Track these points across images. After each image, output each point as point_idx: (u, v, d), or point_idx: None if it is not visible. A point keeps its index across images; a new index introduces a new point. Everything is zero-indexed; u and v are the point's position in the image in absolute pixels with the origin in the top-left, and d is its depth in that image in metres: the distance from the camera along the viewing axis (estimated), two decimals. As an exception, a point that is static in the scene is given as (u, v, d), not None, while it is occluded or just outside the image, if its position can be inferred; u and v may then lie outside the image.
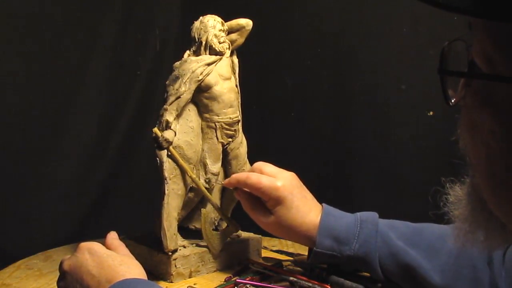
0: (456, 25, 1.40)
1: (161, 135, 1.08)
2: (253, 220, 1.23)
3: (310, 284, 1.01)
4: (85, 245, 0.78)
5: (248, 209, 1.02)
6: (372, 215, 0.96)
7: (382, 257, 0.92)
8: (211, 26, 1.14)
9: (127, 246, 1.17)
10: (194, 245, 1.16)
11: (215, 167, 1.16)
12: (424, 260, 0.89)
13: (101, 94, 1.68)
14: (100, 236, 1.38)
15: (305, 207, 0.98)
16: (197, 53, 1.15)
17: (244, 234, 1.22)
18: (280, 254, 1.26)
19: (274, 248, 1.30)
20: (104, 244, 0.82)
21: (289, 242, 1.36)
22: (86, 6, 1.62)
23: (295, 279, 1.03)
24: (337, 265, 0.99)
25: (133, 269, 0.75)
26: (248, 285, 1.01)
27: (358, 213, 0.98)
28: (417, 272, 0.89)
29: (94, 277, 0.72)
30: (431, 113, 1.45)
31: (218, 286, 1.04)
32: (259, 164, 1.03)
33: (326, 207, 0.99)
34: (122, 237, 1.21)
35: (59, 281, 0.78)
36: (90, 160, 1.68)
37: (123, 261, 0.76)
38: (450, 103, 0.54)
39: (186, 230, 1.19)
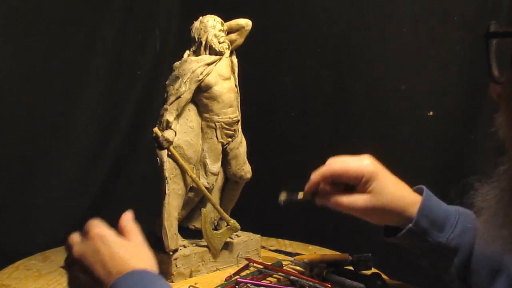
0: (456, 25, 1.40)
1: (162, 135, 1.08)
2: (253, 220, 1.24)
3: (311, 283, 1.01)
4: (98, 233, 0.74)
5: (338, 203, 0.93)
6: (470, 212, 0.91)
7: (475, 255, 0.88)
8: (210, 26, 1.14)
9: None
10: (194, 244, 1.16)
11: (215, 166, 1.16)
12: None
13: (101, 94, 1.68)
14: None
15: (399, 181, 0.93)
16: (197, 53, 1.15)
17: (243, 234, 1.22)
18: (279, 253, 1.26)
19: (273, 248, 1.30)
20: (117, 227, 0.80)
21: (287, 242, 1.36)
22: (86, 6, 1.62)
23: (296, 278, 1.03)
24: (421, 251, 0.92)
25: (145, 261, 0.74)
26: (249, 284, 1.01)
27: (456, 206, 0.93)
28: (502, 279, 0.84)
29: (105, 267, 0.71)
30: (431, 113, 1.45)
31: (219, 286, 1.04)
32: (332, 158, 0.96)
33: (426, 189, 0.94)
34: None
35: (68, 267, 0.76)
36: (90, 160, 1.68)
37: (135, 253, 0.74)
38: (495, 76, 0.54)
39: (186, 230, 1.19)
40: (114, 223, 1.80)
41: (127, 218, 0.81)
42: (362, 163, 0.92)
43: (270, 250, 1.29)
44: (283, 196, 0.99)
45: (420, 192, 0.92)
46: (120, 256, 0.72)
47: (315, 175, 0.94)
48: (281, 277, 1.07)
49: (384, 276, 1.10)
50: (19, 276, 1.14)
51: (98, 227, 0.75)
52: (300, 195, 0.98)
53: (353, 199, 0.91)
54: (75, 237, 0.76)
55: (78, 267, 0.73)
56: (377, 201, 0.90)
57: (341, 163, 0.93)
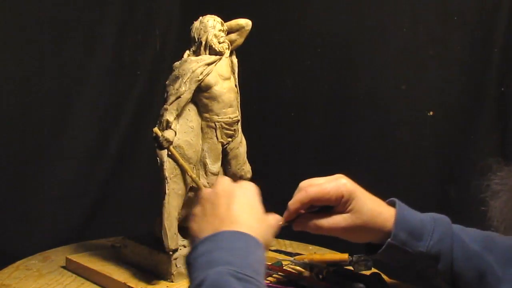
0: (456, 25, 1.40)
1: (162, 135, 1.08)
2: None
3: (311, 283, 1.01)
4: (252, 189, 0.79)
5: (318, 226, 0.92)
6: (444, 217, 0.93)
7: (456, 259, 0.89)
8: (210, 26, 1.14)
9: (127, 246, 1.18)
10: (194, 245, 1.15)
11: (215, 166, 1.16)
12: (499, 269, 0.85)
13: (101, 94, 1.68)
14: (100, 236, 1.39)
15: (375, 198, 0.93)
16: (197, 53, 1.15)
17: (244, 234, 1.22)
18: (279, 253, 1.26)
19: (273, 248, 1.30)
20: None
21: (287, 242, 1.36)
22: (86, 6, 1.62)
23: (295, 278, 1.03)
24: (403, 263, 0.92)
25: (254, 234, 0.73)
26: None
27: (429, 213, 0.94)
28: (488, 279, 0.85)
29: (229, 210, 0.73)
30: (431, 113, 1.45)
31: (218, 286, 1.04)
32: (305, 182, 0.95)
33: (398, 201, 0.93)
34: (122, 237, 1.21)
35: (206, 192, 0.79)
36: (90, 160, 1.68)
37: (260, 223, 0.75)
38: None
39: (186, 230, 1.19)
40: (114, 223, 1.81)
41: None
42: (339, 183, 0.91)
43: (270, 250, 1.29)
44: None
45: (393, 204, 0.92)
46: (255, 213, 0.75)
47: (293, 204, 0.93)
48: (280, 277, 1.07)
49: (384, 276, 1.10)
50: (19, 276, 1.13)
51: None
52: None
53: (334, 221, 0.91)
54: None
55: (211, 194, 0.76)
56: (357, 220, 0.90)
57: (318, 187, 0.91)
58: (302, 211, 0.93)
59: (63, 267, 1.18)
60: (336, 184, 0.91)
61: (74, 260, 1.17)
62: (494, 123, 1.36)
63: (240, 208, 0.74)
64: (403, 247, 0.88)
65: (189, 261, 0.69)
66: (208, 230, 0.71)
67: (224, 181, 0.79)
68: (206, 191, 0.79)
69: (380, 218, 0.90)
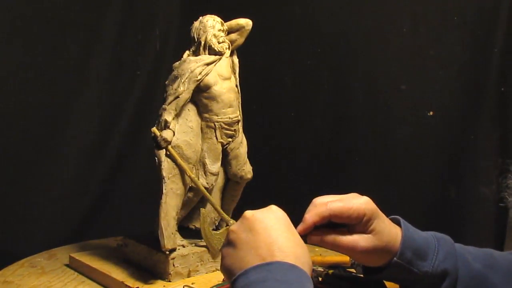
0: (456, 25, 1.40)
1: (160, 135, 1.08)
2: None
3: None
4: (285, 219, 0.76)
5: (337, 243, 0.88)
6: (445, 236, 0.91)
7: (460, 278, 0.87)
8: (210, 26, 1.14)
9: (127, 245, 1.18)
10: (193, 244, 1.16)
11: (215, 167, 1.16)
12: (504, 286, 0.84)
13: (101, 94, 1.69)
14: (100, 236, 1.39)
15: (387, 218, 0.90)
16: (196, 53, 1.15)
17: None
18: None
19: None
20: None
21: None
22: (86, 6, 1.63)
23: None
24: (407, 283, 0.89)
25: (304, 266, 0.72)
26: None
27: (430, 232, 0.91)
28: None
29: (271, 237, 0.70)
30: (431, 113, 1.45)
31: (214, 286, 1.04)
32: (320, 197, 0.90)
33: (402, 219, 0.90)
34: (122, 237, 1.22)
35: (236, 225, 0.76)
36: (90, 160, 1.69)
37: (303, 253, 0.73)
38: None
39: (186, 230, 1.19)
40: (114, 223, 1.81)
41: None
42: (363, 201, 0.87)
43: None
44: None
45: (397, 222, 0.89)
46: (295, 243, 0.72)
47: (312, 217, 0.87)
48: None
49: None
50: (23, 273, 1.15)
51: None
52: None
53: (354, 240, 0.86)
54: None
55: (245, 225, 0.73)
56: (378, 241, 0.86)
57: (341, 202, 0.87)
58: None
59: (67, 265, 1.19)
60: (359, 201, 0.87)
61: (77, 258, 1.18)
62: (494, 123, 1.35)
63: (281, 235, 0.72)
64: (409, 267, 0.86)
65: (238, 286, 0.67)
66: (254, 259, 0.69)
67: (250, 211, 0.76)
68: (235, 224, 0.76)
69: (394, 237, 0.87)
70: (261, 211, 0.75)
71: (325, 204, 0.87)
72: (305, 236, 0.87)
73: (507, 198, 0.75)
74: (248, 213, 0.74)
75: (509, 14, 1.32)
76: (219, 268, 1.15)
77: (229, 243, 0.73)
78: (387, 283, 1.07)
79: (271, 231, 0.71)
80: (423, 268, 0.86)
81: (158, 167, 1.09)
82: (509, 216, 1.08)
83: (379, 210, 0.87)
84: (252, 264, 0.68)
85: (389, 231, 0.87)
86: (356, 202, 0.86)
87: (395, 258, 0.86)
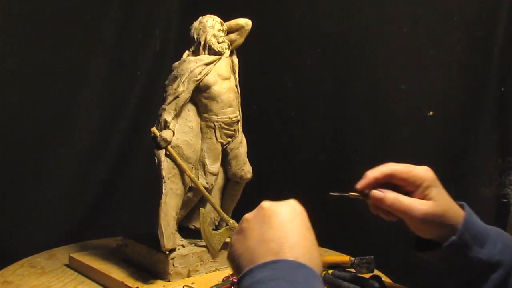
0: (456, 25, 1.40)
1: (159, 135, 1.08)
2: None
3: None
4: (304, 219, 0.70)
5: (398, 202, 0.86)
6: (505, 232, 0.90)
7: None
8: (209, 26, 1.14)
9: (127, 245, 1.18)
10: (193, 244, 1.15)
11: (214, 166, 1.16)
12: None
13: (101, 94, 1.69)
14: (100, 236, 1.39)
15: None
16: (196, 53, 1.15)
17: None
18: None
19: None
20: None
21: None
22: (86, 6, 1.63)
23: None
24: (457, 267, 0.89)
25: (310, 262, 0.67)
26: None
27: (493, 226, 0.90)
28: None
29: (285, 232, 0.66)
30: (431, 113, 1.45)
31: (214, 286, 1.04)
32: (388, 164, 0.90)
33: (466, 205, 0.89)
34: (122, 237, 1.22)
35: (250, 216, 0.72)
36: (90, 160, 1.69)
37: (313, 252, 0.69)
38: None
39: (186, 230, 1.19)
40: (114, 222, 1.81)
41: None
42: (422, 168, 0.86)
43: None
44: (334, 195, 0.94)
45: (461, 207, 0.88)
46: (309, 240, 0.68)
47: (373, 172, 0.87)
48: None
49: (387, 279, 1.10)
50: (23, 273, 1.14)
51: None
52: (352, 195, 0.90)
53: (414, 202, 0.85)
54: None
55: (260, 215, 0.69)
56: (437, 208, 0.85)
57: (404, 165, 0.86)
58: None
59: (67, 265, 1.19)
60: (420, 167, 0.86)
61: (77, 258, 1.18)
62: (494, 123, 1.35)
63: (297, 231, 0.68)
64: (465, 250, 0.85)
65: (243, 285, 0.64)
66: (264, 253, 0.65)
67: (268, 202, 0.71)
68: (251, 213, 0.71)
69: (454, 212, 0.85)
70: (279, 204, 0.71)
71: (386, 164, 0.86)
72: (364, 194, 0.87)
73: (510, 194, 0.75)
74: (266, 203, 0.70)
75: (509, 14, 1.32)
76: (219, 268, 1.15)
77: (241, 231, 0.69)
78: (387, 283, 1.08)
79: (286, 226, 0.67)
80: (479, 255, 0.85)
81: (158, 167, 1.09)
82: (511, 211, 1.09)
83: (438, 181, 0.86)
84: (261, 258, 0.65)
85: (449, 203, 0.86)
86: (416, 167, 0.86)
87: (454, 237, 0.84)
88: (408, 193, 0.85)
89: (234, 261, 0.68)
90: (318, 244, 0.69)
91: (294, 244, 0.66)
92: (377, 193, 0.86)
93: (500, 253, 0.86)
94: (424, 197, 0.85)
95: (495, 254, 0.86)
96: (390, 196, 0.85)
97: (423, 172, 0.86)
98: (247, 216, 0.70)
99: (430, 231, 0.87)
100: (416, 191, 0.86)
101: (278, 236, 0.66)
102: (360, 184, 0.87)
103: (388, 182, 0.87)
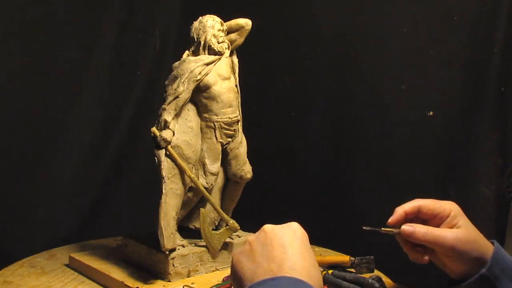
0: (456, 25, 1.40)
1: (159, 135, 1.09)
2: (254, 221, 1.23)
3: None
4: (303, 234, 0.72)
5: (429, 232, 0.89)
6: None
7: None
8: (209, 26, 1.14)
9: (127, 245, 1.18)
10: (193, 244, 1.16)
11: (214, 166, 1.16)
12: None
13: (101, 94, 1.69)
14: (100, 236, 1.39)
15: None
16: (196, 53, 1.15)
17: (244, 234, 1.22)
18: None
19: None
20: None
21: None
22: (87, 6, 1.63)
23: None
24: None
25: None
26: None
27: None
28: None
29: (286, 254, 0.68)
30: (431, 113, 1.44)
31: (214, 286, 1.04)
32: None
33: (495, 241, 0.92)
34: (122, 237, 1.22)
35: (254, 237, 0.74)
36: (90, 160, 1.69)
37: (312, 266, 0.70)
38: None
39: (186, 230, 1.19)
40: (114, 222, 1.81)
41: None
42: (449, 202, 0.91)
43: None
44: (367, 229, 0.96)
45: (491, 243, 0.91)
46: (305, 256, 0.70)
47: (401, 207, 0.91)
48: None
49: (387, 279, 1.10)
50: (23, 273, 1.14)
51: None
52: (383, 230, 0.93)
53: (446, 230, 0.88)
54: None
55: (261, 237, 0.71)
56: (467, 235, 0.88)
57: (429, 200, 0.91)
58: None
59: (67, 265, 1.19)
60: (448, 202, 0.91)
61: (77, 258, 1.18)
62: (494, 123, 1.35)
63: (297, 253, 0.69)
64: (495, 283, 0.86)
65: None
66: (264, 272, 0.67)
67: (270, 225, 0.74)
68: (253, 235, 0.74)
69: (483, 242, 0.88)
70: (281, 226, 0.73)
71: (415, 200, 0.90)
72: (395, 227, 0.89)
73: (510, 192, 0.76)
74: (268, 227, 0.73)
75: (509, 14, 1.32)
76: (219, 268, 1.15)
77: (243, 252, 0.71)
78: (387, 283, 1.08)
79: (287, 248, 0.69)
80: None
81: (158, 167, 1.09)
82: (511, 211, 1.10)
83: (463, 214, 0.89)
84: (261, 277, 0.67)
85: (478, 232, 0.88)
86: (443, 201, 0.90)
87: (483, 270, 0.86)
88: (436, 227, 0.88)
89: (236, 282, 0.70)
90: (317, 264, 0.71)
91: (294, 265, 0.67)
92: (407, 228, 0.89)
93: None
94: (452, 227, 0.88)
95: None
96: (420, 228, 0.88)
97: (449, 204, 0.90)
98: (250, 238, 0.72)
99: (461, 262, 0.88)
100: (444, 222, 0.89)
101: (279, 258, 0.68)
102: (391, 220, 0.90)
103: (417, 217, 0.90)
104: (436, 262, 0.91)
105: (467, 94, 1.39)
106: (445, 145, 1.43)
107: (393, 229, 0.90)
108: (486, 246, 0.88)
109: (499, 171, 1.32)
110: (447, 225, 0.89)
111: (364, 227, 0.94)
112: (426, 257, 0.90)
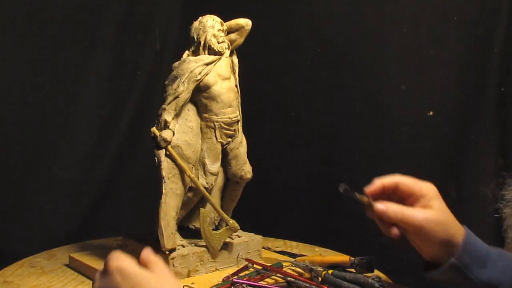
0: (456, 25, 1.40)
1: (159, 135, 1.09)
2: (253, 221, 1.23)
3: (308, 285, 1.00)
4: (116, 266, 0.71)
5: (399, 210, 0.89)
6: (507, 252, 0.93)
7: None
8: (209, 26, 1.14)
9: (127, 245, 1.18)
10: (193, 244, 1.16)
11: (214, 167, 1.16)
12: None
13: (101, 94, 1.69)
14: (100, 236, 1.39)
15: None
16: (196, 53, 1.15)
17: (244, 234, 1.22)
18: (283, 255, 1.25)
19: (278, 249, 1.30)
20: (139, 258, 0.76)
21: (294, 243, 1.36)
22: (86, 6, 1.63)
23: (292, 279, 1.03)
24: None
25: None
26: (244, 285, 1.00)
27: (494, 246, 0.93)
28: None
29: None
30: (431, 113, 1.45)
31: (214, 286, 1.04)
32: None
33: (465, 226, 0.92)
34: (122, 237, 1.22)
35: None
36: (90, 160, 1.69)
37: (158, 283, 0.70)
38: None
39: (186, 230, 1.19)
40: (114, 223, 1.81)
41: (148, 252, 0.77)
42: (427, 183, 0.92)
43: (274, 251, 1.28)
44: (342, 187, 0.97)
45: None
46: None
47: (381, 180, 0.92)
48: (279, 278, 1.07)
49: (387, 279, 1.10)
50: (23, 273, 1.14)
51: (118, 259, 0.73)
52: (358, 196, 0.94)
53: (417, 209, 0.89)
54: (97, 274, 0.74)
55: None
56: (438, 216, 0.88)
57: (409, 178, 0.92)
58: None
59: (67, 265, 1.19)
60: (427, 183, 0.92)
61: (77, 258, 1.17)
62: (494, 123, 1.35)
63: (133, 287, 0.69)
64: (465, 271, 0.87)
65: None
66: None
67: (97, 285, 0.73)
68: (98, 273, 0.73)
69: (455, 226, 0.89)
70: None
71: (395, 175, 0.91)
72: (370, 205, 0.90)
73: (502, 209, 0.76)
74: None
75: (509, 14, 1.32)
76: (219, 268, 1.15)
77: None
78: (387, 283, 1.08)
79: None
80: (480, 276, 0.87)
81: (157, 167, 1.09)
82: (504, 226, 1.10)
83: (441, 197, 0.90)
84: None
85: (451, 217, 0.89)
86: (423, 182, 0.91)
87: (452, 259, 0.87)
88: (410, 205, 0.89)
89: None
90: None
91: None
92: (380, 206, 0.90)
93: (500, 274, 0.87)
94: (426, 208, 0.89)
95: (495, 275, 0.87)
96: (393, 206, 0.89)
97: (427, 186, 0.90)
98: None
99: (430, 243, 0.89)
100: (419, 202, 0.89)
101: None
102: (368, 189, 0.91)
103: (394, 193, 0.91)
104: (411, 242, 0.92)
105: (467, 94, 1.39)
106: (445, 145, 1.44)
107: (367, 199, 0.91)
108: (457, 231, 0.89)
109: (499, 171, 1.32)
110: (421, 205, 0.89)
111: (340, 187, 0.95)
112: (396, 231, 0.90)
